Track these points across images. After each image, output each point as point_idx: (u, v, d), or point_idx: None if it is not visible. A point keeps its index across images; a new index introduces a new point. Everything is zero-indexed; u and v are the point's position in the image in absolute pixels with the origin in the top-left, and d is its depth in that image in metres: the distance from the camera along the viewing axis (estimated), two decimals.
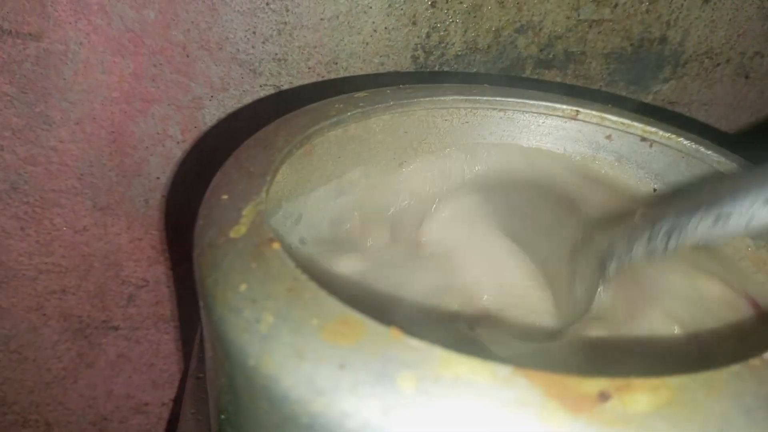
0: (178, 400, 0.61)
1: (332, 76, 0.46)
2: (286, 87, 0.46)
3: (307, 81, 0.46)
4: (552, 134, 0.38)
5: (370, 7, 0.44)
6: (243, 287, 0.20)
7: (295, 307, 0.19)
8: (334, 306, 0.19)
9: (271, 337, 0.19)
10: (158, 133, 0.47)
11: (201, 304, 0.22)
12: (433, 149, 0.39)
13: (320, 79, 0.46)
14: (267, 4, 0.43)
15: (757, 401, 0.18)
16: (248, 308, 0.20)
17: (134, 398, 0.60)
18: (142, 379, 0.59)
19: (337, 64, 0.46)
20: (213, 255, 0.22)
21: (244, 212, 0.23)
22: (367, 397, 0.17)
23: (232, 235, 0.22)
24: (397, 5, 0.44)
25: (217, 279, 0.21)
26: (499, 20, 0.46)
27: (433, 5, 0.45)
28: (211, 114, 0.46)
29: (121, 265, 0.52)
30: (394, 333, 0.18)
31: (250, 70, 0.45)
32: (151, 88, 0.45)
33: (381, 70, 0.47)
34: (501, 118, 0.38)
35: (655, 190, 0.36)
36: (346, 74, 0.46)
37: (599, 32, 0.48)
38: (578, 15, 0.47)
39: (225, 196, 0.24)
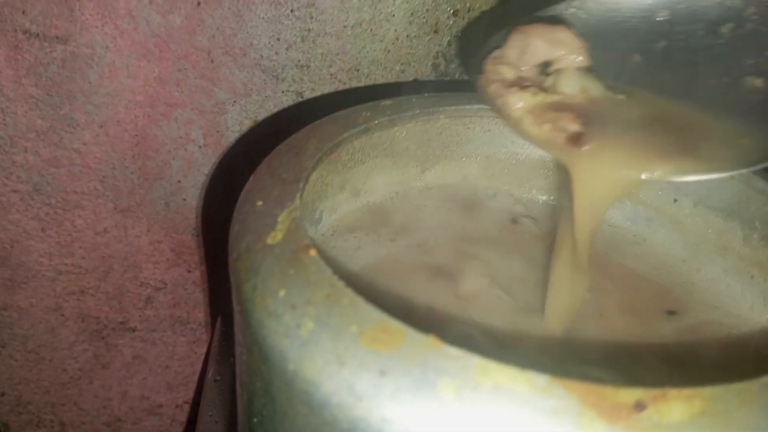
0: (192, 403, 0.61)
1: (354, 83, 0.47)
2: (308, 93, 0.47)
3: (328, 88, 0.47)
4: None
5: (393, 15, 0.45)
6: (282, 293, 0.21)
7: (334, 313, 0.20)
8: (372, 313, 0.20)
9: (311, 343, 0.19)
10: (181, 137, 0.47)
11: (237, 308, 0.23)
12: (455, 157, 0.40)
13: (342, 86, 0.46)
14: (291, 11, 0.43)
15: None
16: (288, 314, 0.20)
17: (149, 400, 0.60)
18: (157, 380, 0.59)
19: (358, 71, 0.46)
20: (251, 260, 0.22)
21: (280, 218, 0.23)
22: (407, 403, 0.18)
23: (269, 241, 0.23)
24: (419, 14, 0.45)
25: (255, 284, 0.21)
26: None
27: (455, 14, 0.45)
28: (233, 119, 0.47)
29: (140, 267, 0.52)
30: (432, 341, 0.19)
31: (273, 76, 0.46)
32: (175, 93, 0.46)
33: (402, 77, 0.47)
34: None
35: (675, 200, 0.37)
36: (368, 81, 0.47)
37: None
38: None
39: (260, 203, 0.25)
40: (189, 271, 0.53)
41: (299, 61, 0.45)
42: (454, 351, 0.19)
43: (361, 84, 0.47)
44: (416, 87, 0.48)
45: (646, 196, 0.38)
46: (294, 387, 0.19)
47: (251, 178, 0.27)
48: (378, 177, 0.38)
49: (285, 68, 0.45)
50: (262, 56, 0.45)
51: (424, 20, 0.45)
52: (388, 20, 0.45)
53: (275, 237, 0.23)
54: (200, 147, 0.48)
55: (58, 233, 0.50)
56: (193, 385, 0.60)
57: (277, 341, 0.20)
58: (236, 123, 0.47)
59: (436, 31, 0.46)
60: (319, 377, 0.19)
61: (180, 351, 0.58)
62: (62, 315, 0.54)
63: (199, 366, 0.59)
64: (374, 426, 0.18)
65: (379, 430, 0.18)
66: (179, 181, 0.49)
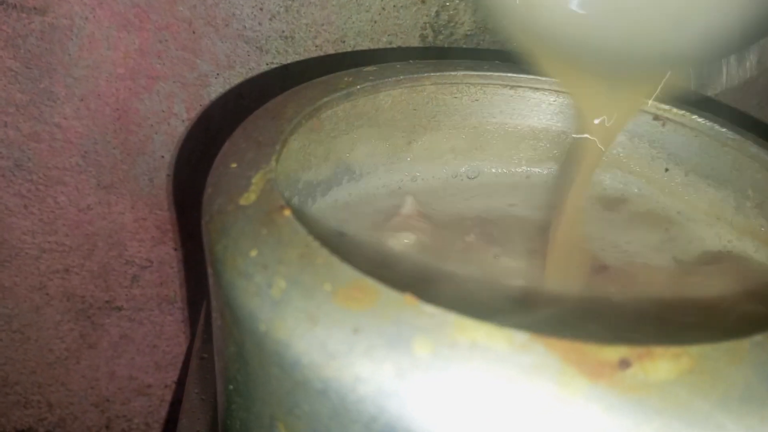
0: (181, 382, 0.60)
1: (339, 53, 0.46)
2: (292, 65, 0.46)
3: (314, 59, 0.46)
4: (563, 113, 0.38)
5: None
6: (254, 253, 0.20)
7: (307, 272, 0.19)
8: (347, 271, 0.19)
9: (282, 302, 0.18)
10: (163, 111, 0.46)
11: (210, 271, 0.22)
12: (443, 128, 0.39)
13: (326, 54, 0.45)
14: None
15: None
16: (259, 274, 0.19)
17: (137, 380, 0.60)
18: (145, 360, 0.59)
19: (344, 42, 0.45)
20: (222, 222, 0.22)
21: (254, 180, 0.23)
22: (381, 361, 0.17)
23: (242, 202, 0.22)
24: None
25: (226, 245, 0.21)
26: None
27: None
28: (217, 92, 0.46)
29: (125, 244, 0.52)
30: (408, 299, 0.18)
31: (257, 47, 0.45)
32: (156, 65, 0.45)
33: (389, 48, 0.46)
34: (512, 96, 0.38)
35: (666, 170, 0.36)
36: (353, 52, 0.46)
37: None
38: None
39: (234, 165, 0.24)
40: (175, 249, 0.53)
41: (283, 32, 0.44)
42: (430, 309, 0.18)
43: (348, 52, 0.46)
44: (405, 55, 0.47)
45: (636, 165, 0.37)
46: (265, 348, 0.19)
47: (227, 142, 0.26)
48: (363, 147, 0.37)
49: (269, 39, 0.44)
50: (244, 27, 0.44)
51: None
52: None
53: (248, 198, 0.22)
54: (183, 121, 0.47)
55: (41, 210, 0.49)
56: (181, 365, 0.60)
57: (247, 301, 0.19)
58: (220, 96, 0.46)
59: (423, 1, 0.45)
60: (290, 337, 0.18)
61: (168, 330, 0.57)
62: (47, 294, 0.53)
63: (187, 345, 0.59)
64: (347, 385, 0.17)
65: (352, 389, 0.17)
66: (162, 156, 0.48)
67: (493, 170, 0.40)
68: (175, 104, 0.46)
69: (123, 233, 0.51)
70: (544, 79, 0.36)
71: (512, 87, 0.37)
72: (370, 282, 0.18)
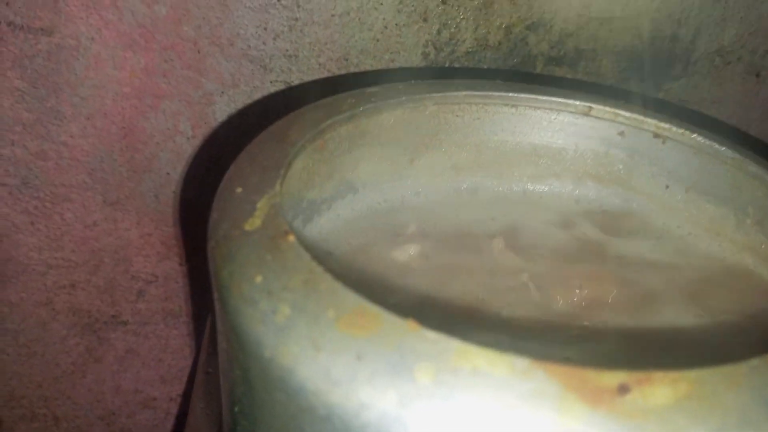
0: (186, 396, 0.61)
1: (343, 73, 0.46)
2: (296, 83, 0.46)
3: (317, 78, 0.46)
4: (564, 130, 0.38)
5: (381, 4, 0.44)
6: (258, 279, 0.20)
7: (311, 298, 0.19)
8: (350, 298, 0.19)
9: (287, 329, 0.19)
10: (168, 129, 0.47)
11: (215, 296, 0.22)
12: (445, 146, 0.39)
13: (330, 75, 0.46)
14: (278, 0, 0.43)
15: None
16: (264, 300, 0.20)
17: (142, 393, 0.60)
18: (150, 374, 0.59)
19: (347, 60, 0.46)
20: (228, 247, 0.22)
21: (259, 205, 0.23)
22: (384, 388, 0.17)
23: (247, 227, 0.22)
24: (408, 1, 0.44)
25: (232, 271, 0.21)
26: (510, 17, 0.46)
27: (444, 2, 0.45)
28: (222, 110, 0.46)
29: (130, 260, 0.52)
30: (411, 325, 0.18)
31: (261, 66, 0.45)
32: (162, 84, 0.45)
33: (391, 67, 0.47)
34: (512, 114, 0.38)
35: (667, 187, 0.36)
36: (357, 71, 0.46)
37: (610, 30, 0.48)
38: (589, 12, 0.46)
39: (239, 189, 0.24)
40: (180, 264, 0.53)
41: (287, 50, 0.45)
42: (432, 335, 0.18)
43: (351, 72, 0.46)
44: (414, 74, 0.47)
45: (636, 182, 0.37)
46: (270, 374, 0.19)
47: (232, 166, 0.26)
48: (366, 166, 0.38)
49: (273, 58, 0.45)
50: (249, 46, 0.44)
51: (413, 8, 0.45)
52: (376, 8, 0.44)
53: (253, 223, 0.22)
54: (189, 138, 0.47)
55: (48, 227, 0.50)
56: (186, 379, 0.60)
57: (252, 328, 0.19)
58: (225, 114, 0.47)
59: (425, 20, 0.45)
60: (294, 363, 0.18)
61: (173, 344, 0.58)
62: (53, 309, 0.54)
63: (192, 359, 0.59)
64: (351, 411, 0.17)
65: (356, 415, 0.17)
66: (168, 174, 0.48)
67: (494, 187, 0.40)
68: (180, 122, 0.47)
69: (129, 249, 0.52)
70: (543, 98, 0.36)
71: (513, 105, 0.38)
72: (372, 308, 0.19)
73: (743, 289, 0.31)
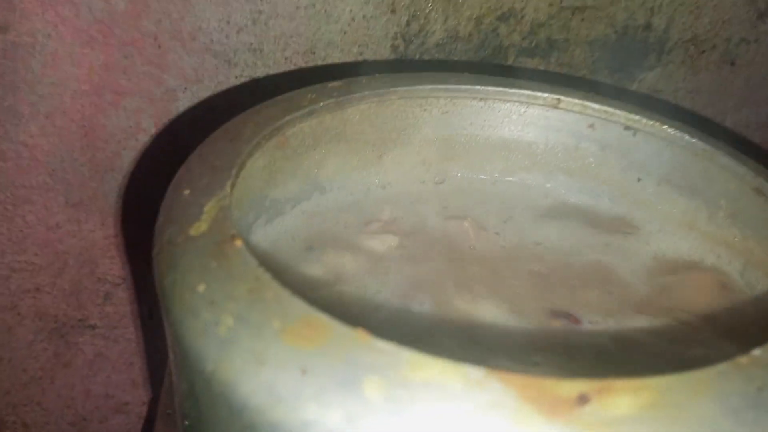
0: (159, 400, 0.59)
1: (310, 65, 0.45)
2: (262, 78, 0.45)
3: (284, 71, 0.45)
4: (534, 123, 0.37)
5: None
6: (201, 288, 0.19)
7: (256, 308, 0.18)
8: (297, 307, 0.18)
9: (230, 341, 0.18)
10: (131, 127, 0.45)
11: (161, 306, 0.21)
12: (414, 140, 0.38)
13: (297, 68, 0.45)
14: None
15: (745, 401, 0.17)
16: (207, 310, 0.19)
17: (114, 398, 0.59)
18: (122, 378, 0.58)
19: (314, 53, 0.45)
20: (172, 254, 0.21)
21: (206, 208, 0.22)
22: (330, 404, 0.16)
23: (192, 232, 0.21)
24: None
25: (175, 279, 0.20)
26: (480, 8, 0.45)
27: None
28: (185, 106, 0.45)
29: (96, 262, 0.51)
30: (360, 335, 0.17)
31: (225, 60, 0.44)
32: (122, 81, 0.44)
33: (360, 59, 0.46)
34: (481, 107, 0.37)
35: (639, 179, 0.35)
36: (324, 64, 0.45)
37: (582, 19, 0.47)
38: (561, 2, 0.46)
39: (187, 191, 0.23)
40: (148, 265, 0.52)
41: (251, 44, 0.43)
42: (383, 345, 0.17)
43: (318, 65, 0.45)
44: (377, 67, 0.46)
45: (608, 175, 0.36)
46: (213, 389, 0.18)
47: (182, 167, 0.25)
48: (333, 162, 0.37)
49: (237, 52, 0.44)
50: (212, 40, 0.43)
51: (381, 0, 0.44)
52: (342, 0, 0.43)
53: (199, 228, 0.21)
54: (151, 136, 0.46)
55: (10, 230, 0.48)
56: (159, 382, 0.59)
57: (195, 340, 0.18)
58: (189, 110, 0.45)
59: (393, 11, 0.44)
60: (237, 378, 0.17)
61: (144, 347, 0.56)
62: (18, 314, 0.52)
63: (163, 362, 0.58)
64: (295, 429, 0.16)
65: None
66: (132, 172, 0.47)
67: (465, 181, 0.39)
68: (142, 120, 0.45)
69: (94, 251, 0.50)
70: (511, 91, 0.35)
71: (481, 99, 0.37)
72: (321, 317, 0.18)
73: (713, 287, 0.31)
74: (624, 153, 0.35)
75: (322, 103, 0.31)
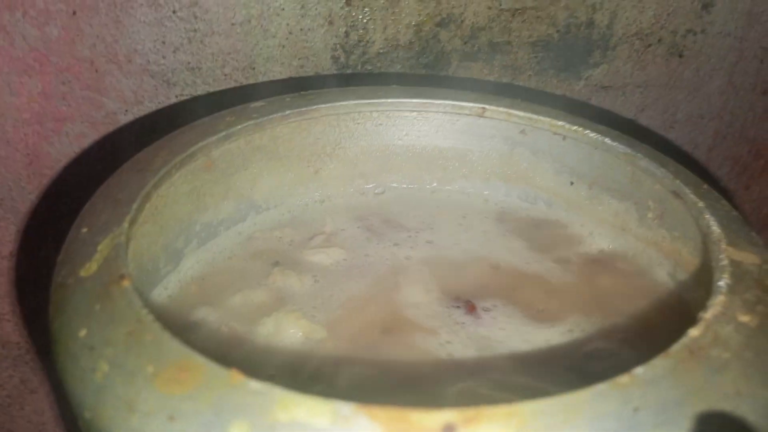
0: None
1: (251, 81, 0.45)
2: (203, 96, 0.45)
3: (225, 88, 0.45)
4: (468, 132, 0.37)
5: (283, 9, 0.43)
6: (83, 333, 0.19)
7: (132, 353, 0.18)
8: (174, 350, 0.18)
9: (104, 388, 0.18)
10: (75, 152, 0.45)
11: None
12: (350, 153, 0.38)
13: (238, 84, 0.45)
14: (174, 12, 0.41)
15: (620, 423, 0.17)
16: (86, 356, 0.18)
17: None
18: None
19: (254, 69, 0.45)
20: (62, 296, 0.21)
21: (100, 247, 0.22)
22: None
23: (83, 273, 0.21)
24: (310, 5, 0.43)
25: (61, 324, 0.20)
26: (419, 15, 0.45)
27: (348, 3, 0.43)
28: (128, 129, 0.45)
29: None
30: (234, 376, 0.17)
31: (164, 80, 0.44)
32: (62, 107, 0.43)
33: (301, 73, 0.45)
34: (415, 118, 0.37)
35: (572, 183, 0.35)
36: (265, 79, 0.45)
37: (523, 21, 0.46)
38: (500, 5, 0.45)
39: (84, 230, 0.23)
40: None
41: (189, 63, 0.43)
42: (256, 385, 0.17)
43: (260, 81, 0.45)
44: (319, 81, 0.46)
45: (542, 179, 0.36)
46: None
47: (87, 203, 0.25)
48: (267, 181, 0.36)
49: (175, 72, 0.43)
50: (148, 61, 0.43)
51: (317, 12, 0.43)
52: (278, 14, 0.43)
53: (90, 268, 0.21)
54: (97, 161, 0.46)
55: None
56: None
57: (75, 387, 0.18)
58: (132, 133, 0.45)
59: (330, 23, 0.44)
60: (109, 426, 0.17)
61: None
62: None
63: None
64: None
65: None
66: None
67: (405, 191, 0.39)
68: (86, 144, 0.45)
69: (51, 276, 0.50)
70: (438, 102, 0.35)
71: (414, 110, 0.37)
72: (195, 360, 0.18)
73: (641, 290, 0.31)
74: (556, 157, 0.35)
75: (239, 126, 0.30)
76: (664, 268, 0.32)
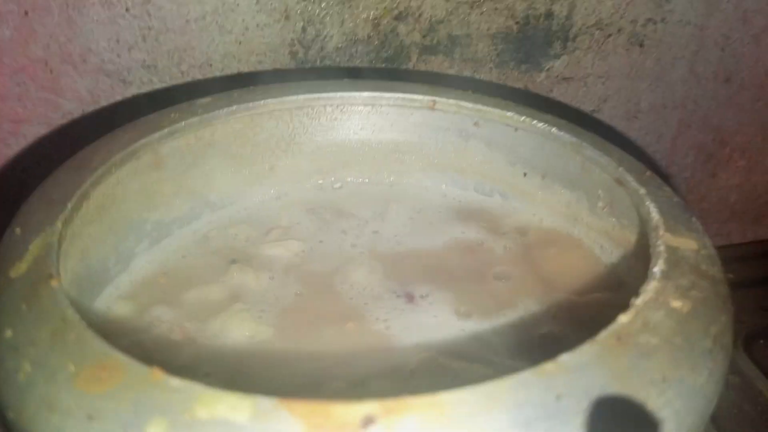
0: None
1: (208, 78, 0.45)
2: (160, 93, 0.44)
3: (182, 85, 0.45)
4: (423, 125, 0.37)
5: (238, 5, 0.43)
6: (9, 334, 0.19)
7: (54, 352, 0.18)
8: (96, 348, 0.18)
9: (26, 388, 0.18)
10: (33, 154, 0.45)
11: None
12: (305, 149, 0.38)
13: (193, 80, 0.44)
14: (126, 10, 0.41)
15: (537, 411, 0.17)
16: (10, 357, 0.18)
17: None
18: None
19: (211, 65, 0.44)
20: None
21: (31, 247, 0.22)
22: None
23: (12, 274, 0.21)
24: (265, 1, 0.43)
25: None
26: (376, 8, 0.45)
27: None
28: (86, 129, 0.45)
29: None
30: (155, 374, 0.17)
31: (120, 79, 0.43)
32: (18, 109, 0.43)
33: (260, 68, 0.45)
34: (370, 112, 0.37)
35: (525, 174, 0.35)
36: (223, 75, 0.45)
37: (482, 13, 0.46)
38: None
39: (18, 230, 0.23)
40: None
41: (144, 61, 0.43)
42: (176, 383, 0.17)
43: (217, 77, 0.45)
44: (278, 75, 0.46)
45: (496, 171, 0.36)
46: None
47: (23, 203, 0.25)
48: (220, 178, 0.36)
49: (131, 70, 0.43)
50: (103, 60, 0.42)
51: (272, 7, 0.43)
52: (233, 10, 0.43)
53: (19, 269, 0.21)
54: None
55: None
56: None
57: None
58: (90, 133, 0.45)
59: (287, 18, 0.44)
60: (30, 426, 0.17)
61: None
62: None
63: None
64: None
65: None
66: None
67: (361, 186, 0.39)
68: (44, 146, 0.45)
69: None
70: (388, 95, 0.35)
71: (367, 104, 0.36)
72: (116, 358, 0.18)
73: (594, 278, 0.31)
74: (509, 149, 0.35)
75: (183, 123, 0.30)
76: (613, 257, 0.32)
